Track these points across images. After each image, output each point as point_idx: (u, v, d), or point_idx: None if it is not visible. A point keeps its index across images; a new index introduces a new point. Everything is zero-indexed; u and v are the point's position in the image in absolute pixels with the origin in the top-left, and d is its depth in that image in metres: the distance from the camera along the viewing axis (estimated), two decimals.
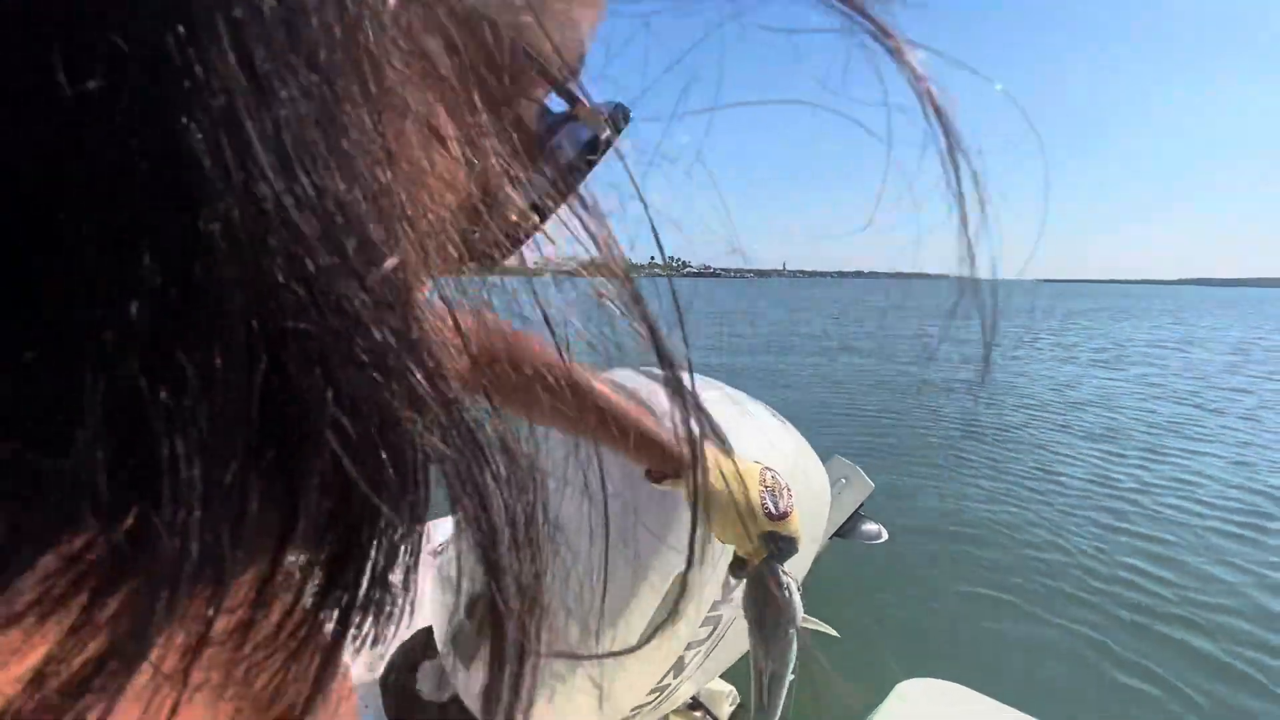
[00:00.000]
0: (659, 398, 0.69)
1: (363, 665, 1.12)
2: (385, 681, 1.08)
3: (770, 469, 0.66)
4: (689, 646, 0.82)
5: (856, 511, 1.65)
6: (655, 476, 0.62)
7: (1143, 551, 3.27)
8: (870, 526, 1.67)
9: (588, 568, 0.76)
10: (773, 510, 0.62)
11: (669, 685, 0.85)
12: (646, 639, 0.75)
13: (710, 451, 0.62)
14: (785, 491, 0.64)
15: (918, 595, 2.77)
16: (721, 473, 0.62)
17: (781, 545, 0.63)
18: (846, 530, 1.63)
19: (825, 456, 1.58)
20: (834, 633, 1.07)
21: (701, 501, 0.60)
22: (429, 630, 1.07)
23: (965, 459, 4.72)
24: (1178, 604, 2.78)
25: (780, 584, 0.63)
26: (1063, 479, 4.35)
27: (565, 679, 0.74)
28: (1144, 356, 10.88)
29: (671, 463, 0.60)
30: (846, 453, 1.70)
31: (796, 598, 0.63)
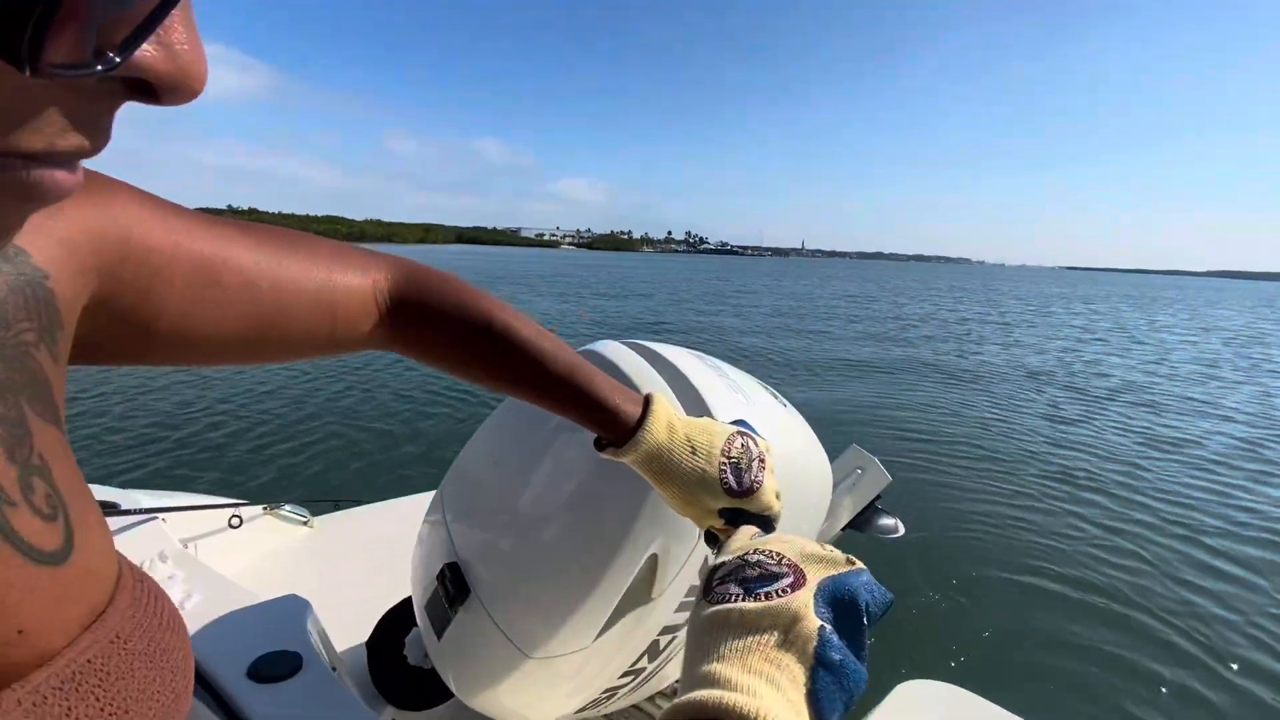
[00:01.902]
0: (635, 365, 0.61)
1: (351, 630, 1.12)
2: (372, 646, 1.08)
3: (746, 433, 0.58)
4: (664, 631, 0.78)
5: (873, 504, 1.59)
6: (600, 444, 0.56)
7: (1158, 558, 3.12)
8: (886, 520, 1.61)
9: (553, 553, 0.73)
10: (733, 486, 0.54)
11: (645, 669, 0.82)
12: (611, 623, 0.72)
13: (664, 408, 0.55)
14: (756, 462, 0.56)
15: (922, 595, 2.69)
16: (673, 435, 0.54)
17: (751, 520, 0.55)
18: (861, 522, 1.57)
19: (843, 445, 1.52)
20: None
21: (650, 472, 0.54)
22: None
23: (984, 455, 4.57)
24: (1188, 611, 2.66)
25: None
26: (1076, 478, 4.18)
27: (533, 655, 0.72)
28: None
29: (618, 429, 0.54)
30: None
31: None
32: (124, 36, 0.15)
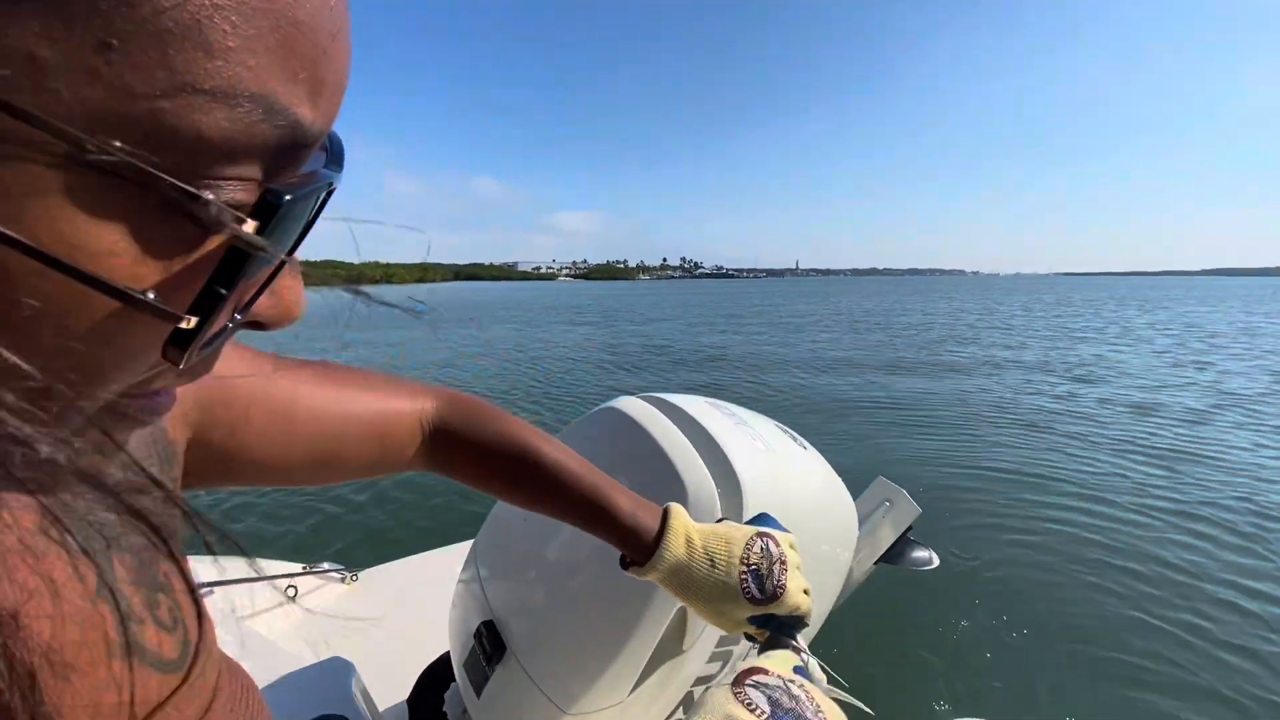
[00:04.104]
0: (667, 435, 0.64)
1: (391, 686, 1.15)
2: (413, 702, 1.10)
3: (766, 533, 0.58)
4: (698, 682, 0.79)
5: (904, 536, 1.57)
6: (625, 563, 0.57)
7: (1210, 577, 2.97)
8: (920, 553, 1.58)
9: (585, 608, 0.75)
10: (755, 594, 0.54)
11: None
12: (643, 678, 0.73)
13: (681, 521, 0.57)
14: (778, 565, 0.55)
15: (963, 628, 2.60)
16: (691, 549, 0.55)
17: (783, 622, 0.55)
18: (894, 556, 1.55)
19: (869, 478, 1.52)
20: (868, 710, 0.99)
21: (673, 587, 0.56)
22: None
23: (1015, 476, 4.44)
24: (1244, 643, 2.51)
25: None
26: (1117, 497, 4.02)
27: (569, 711, 0.74)
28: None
29: (640, 545, 0.55)
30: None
31: (816, 672, 0.52)
32: (245, 302, 0.19)
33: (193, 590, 0.31)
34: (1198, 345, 13.00)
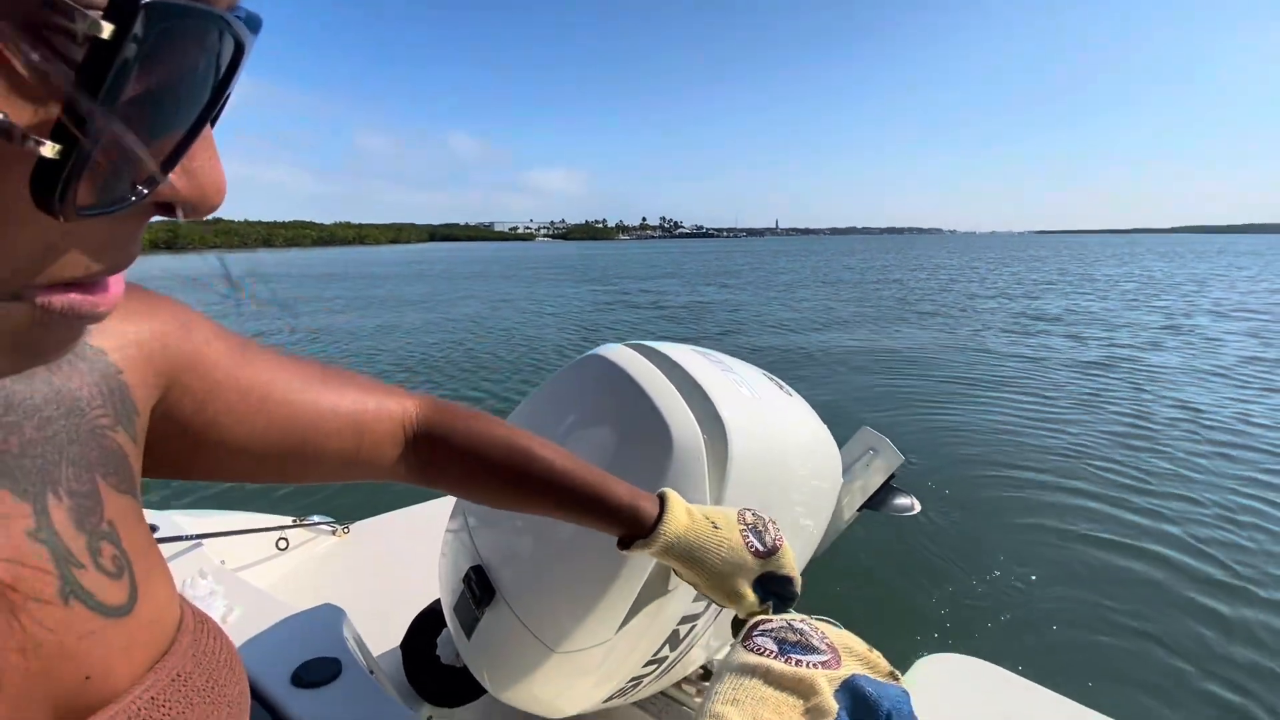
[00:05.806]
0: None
1: (386, 633, 1.17)
2: (406, 647, 1.12)
3: (749, 507, 0.61)
4: (684, 620, 0.81)
5: (887, 483, 1.61)
6: (626, 544, 0.58)
7: (1179, 517, 3.09)
8: (902, 499, 1.62)
9: (571, 550, 0.76)
10: (760, 547, 0.56)
11: (667, 657, 0.85)
12: (629, 617, 0.75)
13: (678, 498, 0.58)
14: (770, 525, 0.59)
15: (940, 569, 2.71)
16: (693, 518, 0.57)
17: (781, 590, 0.58)
18: (877, 502, 1.59)
19: (854, 428, 1.54)
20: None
21: (679, 558, 0.57)
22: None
23: (994, 424, 4.54)
24: (1205, 577, 2.63)
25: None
26: (1086, 443, 4.13)
27: (558, 650, 0.75)
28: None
29: (642, 528, 0.56)
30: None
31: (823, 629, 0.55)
32: (150, 172, 0.17)
33: (148, 542, 0.31)
34: (1152, 292, 14.27)
